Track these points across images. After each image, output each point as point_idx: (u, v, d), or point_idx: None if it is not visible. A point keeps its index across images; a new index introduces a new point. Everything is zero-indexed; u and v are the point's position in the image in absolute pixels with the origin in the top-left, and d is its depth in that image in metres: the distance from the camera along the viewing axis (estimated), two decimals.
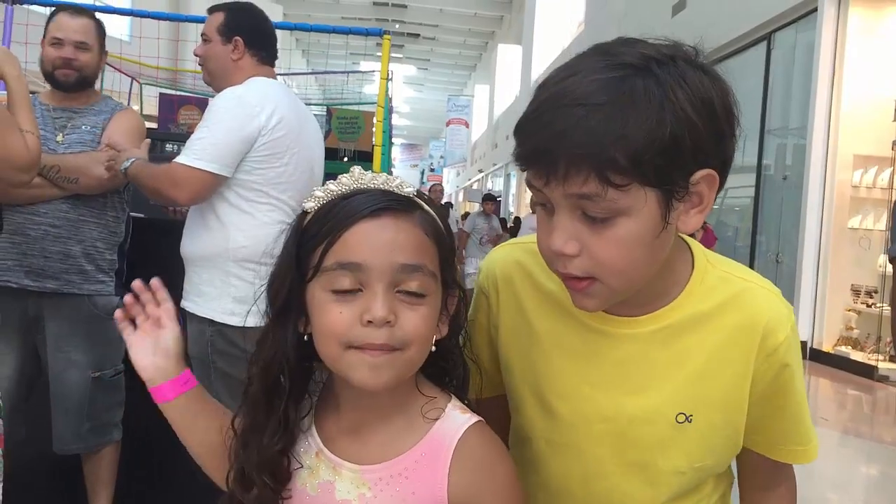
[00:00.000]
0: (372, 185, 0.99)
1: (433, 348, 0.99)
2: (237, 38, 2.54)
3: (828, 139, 7.83)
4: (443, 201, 10.04)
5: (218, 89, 2.54)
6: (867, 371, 6.96)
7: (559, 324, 1.06)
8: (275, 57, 2.66)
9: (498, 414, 1.19)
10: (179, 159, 2.32)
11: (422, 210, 1.00)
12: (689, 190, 0.89)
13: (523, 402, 1.12)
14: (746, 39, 9.51)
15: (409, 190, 1.00)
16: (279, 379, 1.01)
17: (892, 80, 7.59)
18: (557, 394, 1.06)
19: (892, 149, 7.48)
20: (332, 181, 1.01)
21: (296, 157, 2.45)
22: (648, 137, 0.83)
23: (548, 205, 0.91)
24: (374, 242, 0.94)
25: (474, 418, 1.02)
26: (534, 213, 10.43)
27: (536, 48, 21.60)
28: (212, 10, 2.64)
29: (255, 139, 2.35)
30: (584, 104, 0.84)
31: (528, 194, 19.70)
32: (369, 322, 0.92)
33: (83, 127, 2.72)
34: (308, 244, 0.98)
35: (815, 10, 7.94)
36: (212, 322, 2.35)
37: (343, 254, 0.94)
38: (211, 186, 2.34)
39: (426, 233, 0.98)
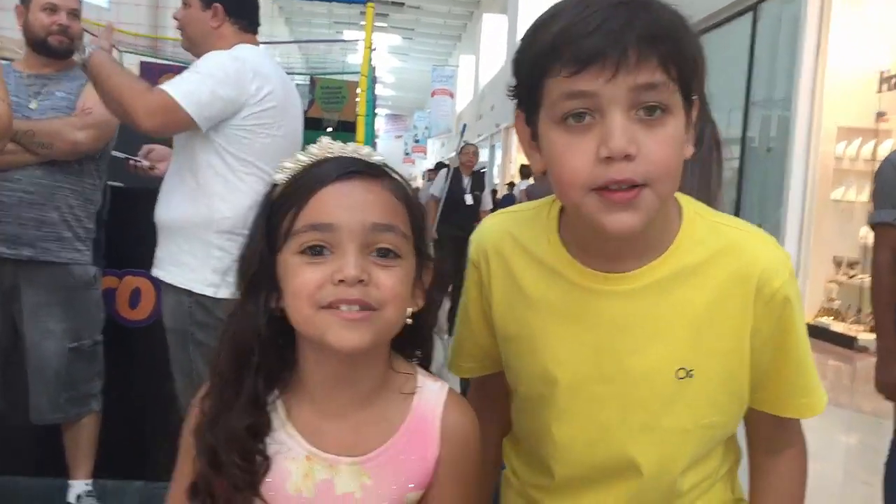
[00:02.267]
0: (341, 154, 1.00)
1: (409, 321, 0.99)
2: (216, 4, 2.46)
3: (812, 111, 7.83)
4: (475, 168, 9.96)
5: (198, 56, 2.47)
6: (847, 342, 7.03)
7: (552, 288, 1.05)
8: (257, 25, 2.59)
9: (496, 391, 1.19)
10: (164, 87, 2.23)
11: (390, 177, 1.00)
12: (691, 110, 0.93)
13: (523, 372, 1.10)
14: (732, 10, 9.46)
15: (378, 158, 1.01)
16: (249, 353, 0.98)
17: (877, 52, 7.60)
18: (556, 359, 1.05)
19: (876, 121, 7.51)
20: (301, 152, 1.00)
21: (283, 130, 2.41)
22: (689, 39, 0.91)
23: (589, 115, 0.89)
24: (345, 203, 0.94)
25: (445, 385, 1.06)
26: (524, 177, 9.99)
27: (521, 18, 21.42)
28: None
29: (241, 107, 2.31)
30: (635, 3, 0.88)
31: (514, 164, 19.32)
32: (341, 281, 0.91)
33: (57, 93, 2.68)
34: (277, 214, 0.97)
35: None
36: (190, 293, 2.31)
37: (313, 216, 0.94)
38: (181, 128, 2.28)
39: (397, 197, 0.98)
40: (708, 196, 2.67)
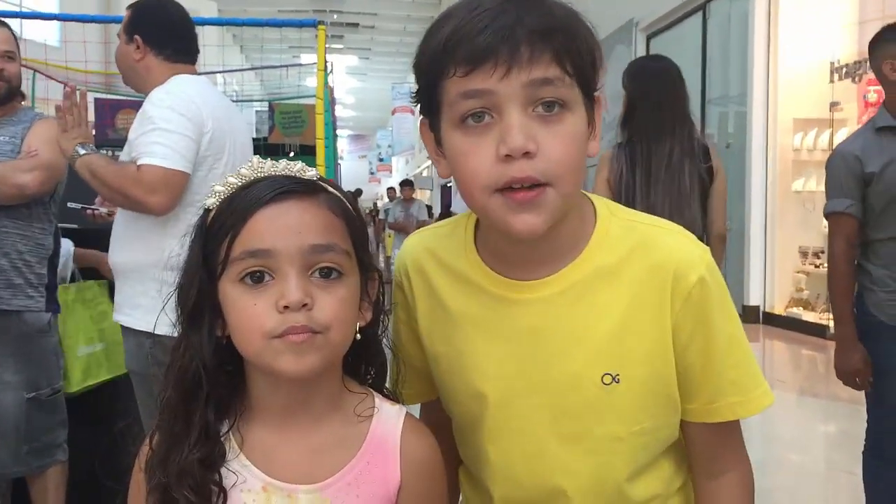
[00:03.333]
0: (272, 173, 0.96)
1: (357, 336, 0.98)
2: (136, 36, 2.40)
3: (767, 105, 7.94)
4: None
5: (138, 91, 2.44)
6: (819, 331, 7.09)
7: (472, 301, 1.03)
8: (190, 53, 2.50)
9: (444, 418, 1.15)
10: (149, 160, 2.15)
11: (327, 192, 0.97)
12: (593, 108, 0.92)
13: (454, 392, 1.08)
14: (682, 11, 9.58)
15: (311, 174, 0.98)
16: (197, 385, 0.95)
17: (826, 43, 7.71)
18: (483, 375, 1.02)
19: (830, 111, 7.60)
20: (231, 174, 0.97)
21: (231, 158, 2.36)
22: (583, 34, 0.89)
23: (488, 114, 0.87)
24: (280, 226, 0.91)
25: (402, 409, 1.04)
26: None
27: None
28: (127, 7, 2.51)
29: (201, 136, 2.26)
30: (525, 1, 0.87)
31: None
32: (285, 307, 0.88)
33: (1, 138, 2.61)
34: (213, 240, 0.93)
35: None
36: (150, 334, 2.25)
37: (249, 242, 0.91)
38: (182, 189, 2.21)
39: (334, 213, 0.95)
40: (680, 203, 2.74)
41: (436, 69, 0.89)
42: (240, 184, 0.96)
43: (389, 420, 1.01)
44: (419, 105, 0.96)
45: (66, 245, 2.98)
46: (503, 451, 1.04)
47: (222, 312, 0.94)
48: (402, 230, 10.26)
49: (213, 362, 0.95)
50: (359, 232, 0.98)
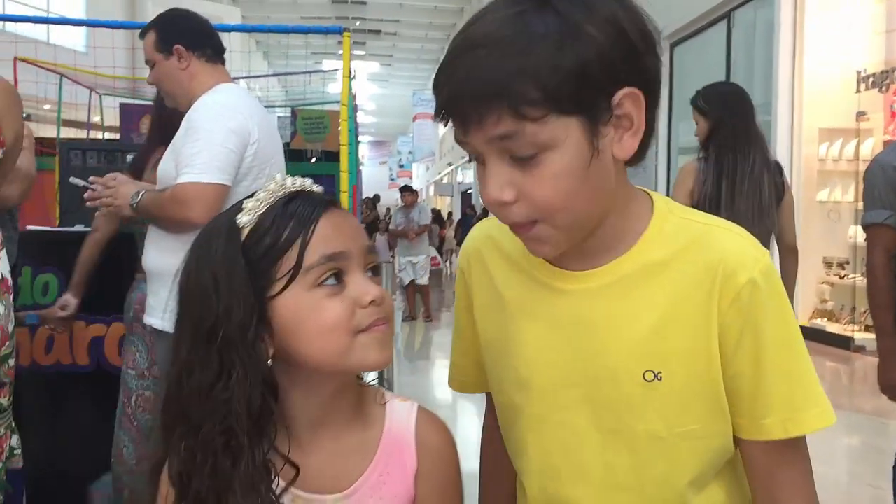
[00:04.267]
0: (294, 188, 0.99)
1: None
2: (176, 46, 2.44)
3: (792, 114, 7.88)
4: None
5: (185, 107, 2.44)
6: (843, 342, 7.02)
7: (524, 288, 1.03)
8: (222, 50, 2.56)
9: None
10: (183, 178, 2.22)
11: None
12: (613, 112, 0.87)
13: (501, 381, 1.08)
14: (706, 19, 9.54)
15: (319, 189, 1.02)
16: (264, 415, 0.92)
17: (853, 52, 7.65)
18: (527, 363, 1.02)
19: (857, 120, 7.54)
20: (260, 190, 0.99)
21: (275, 168, 2.41)
22: (551, 65, 0.82)
23: (478, 157, 0.90)
24: (345, 230, 0.97)
25: (414, 404, 1.06)
26: None
27: None
28: (142, 34, 2.53)
29: (246, 147, 2.30)
30: (484, 45, 0.83)
31: None
32: (371, 302, 0.93)
33: None
34: (269, 254, 0.93)
35: None
36: None
37: (325, 247, 0.93)
38: (222, 199, 2.24)
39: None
40: (761, 212, 2.89)
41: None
42: (272, 200, 0.97)
43: (402, 416, 1.04)
44: None
45: None
46: (542, 442, 1.03)
47: (272, 329, 0.93)
48: (403, 236, 10.16)
49: (271, 385, 0.94)
50: None
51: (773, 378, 0.94)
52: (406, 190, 10.78)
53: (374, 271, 0.99)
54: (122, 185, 2.39)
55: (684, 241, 0.96)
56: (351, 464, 0.99)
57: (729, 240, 0.96)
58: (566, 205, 0.88)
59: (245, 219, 0.96)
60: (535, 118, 0.82)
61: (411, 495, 1.01)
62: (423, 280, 10.09)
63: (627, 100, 0.87)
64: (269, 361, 0.94)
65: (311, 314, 0.92)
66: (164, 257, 2.33)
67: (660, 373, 0.95)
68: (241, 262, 0.93)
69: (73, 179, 2.72)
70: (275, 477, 0.94)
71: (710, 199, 2.92)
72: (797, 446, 0.98)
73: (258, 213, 0.96)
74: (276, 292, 0.93)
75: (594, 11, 0.84)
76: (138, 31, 2.55)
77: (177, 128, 2.39)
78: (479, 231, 1.14)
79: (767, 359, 0.94)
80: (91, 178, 2.46)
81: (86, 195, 2.46)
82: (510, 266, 1.06)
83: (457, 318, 1.18)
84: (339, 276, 0.94)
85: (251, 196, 0.98)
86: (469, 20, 0.89)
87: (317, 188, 1.02)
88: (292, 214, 0.94)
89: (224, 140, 2.25)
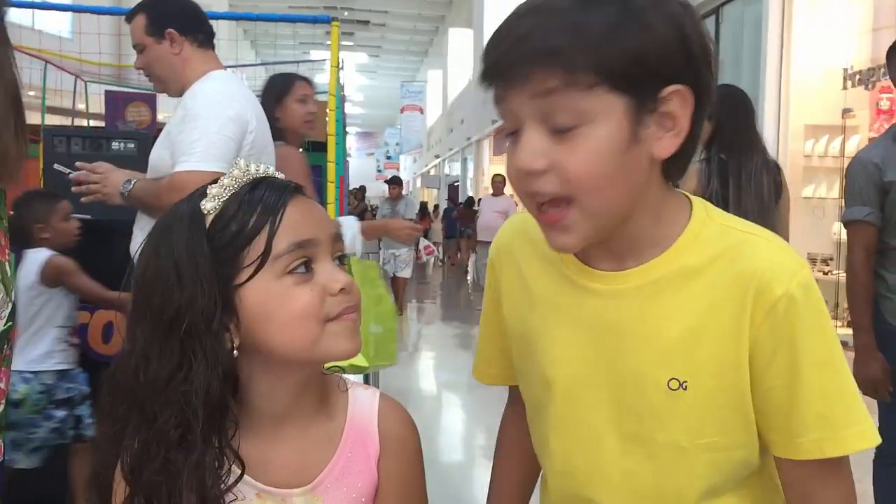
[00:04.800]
0: (259, 174, 0.97)
1: None
2: (169, 30, 2.40)
3: (779, 110, 7.90)
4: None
5: (175, 92, 2.43)
6: None
7: (554, 285, 1.02)
8: (213, 36, 2.52)
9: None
10: (181, 167, 2.19)
11: None
12: (658, 107, 0.86)
13: (527, 377, 1.08)
14: None
15: (281, 175, 1.00)
16: (220, 407, 0.90)
17: (840, 49, 7.68)
18: (552, 361, 1.01)
19: (843, 117, 7.58)
20: (225, 176, 0.96)
21: (268, 158, 2.41)
22: (610, 37, 0.82)
23: (514, 128, 0.88)
24: (311, 218, 0.95)
25: (376, 392, 1.06)
26: (495, 192, 10.50)
27: (487, 31, 21.52)
28: (129, 18, 2.48)
29: (244, 135, 2.28)
30: (548, 8, 0.84)
31: (486, 178, 19.56)
32: (341, 290, 0.92)
33: None
34: (235, 242, 0.91)
35: None
36: None
37: (294, 233, 0.92)
38: None
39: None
40: (763, 210, 2.95)
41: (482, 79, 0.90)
42: (236, 186, 0.95)
43: (365, 404, 1.04)
44: None
45: (352, 221, 3.10)
46: (564, 441, 1.03)
47: (238, 317, 0.91)
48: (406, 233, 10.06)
49: (233, 374, 0.92)
50: None
51: (809, 395, 0.91)
52: (393, 182, 10.71)
53: (341, 260, 0.98)
54: (111, 173, 2.36)
55: (720, 249, 0.94)
56: (316, 455, 0.99)
57: (766, 250, 0.93)
58: (597, 185, 0.86)
59: (209, 205, 0.93)
60: (583, 85, 0.82)
61: (375, 482, 1.01)
62: (403, 273, 10.05)
63: (676, 97, 0.86)
64: (234, 353, 0.91)
65: (280, 302, 0.91)
66: None
67: (685, 381, 0.93)
68: (205, 250, 0.91)
69: (56, 166, 2.69)
70: (226, 471, 0.91)
71: (716, 198, 2.96)
72: (837, 467, 0.95)
73: (223, 200, 0.93)
74: (242, 280, 0.91)
75: (660, 6, 0.85)
76: (125, 17, 2.52)
77: None
78: (512, 225, 1.13)
79: (803, 375, 0.90)
80: (77, 164, 2.43)
81: (73, 182, 2.43)
82: (542, 261, 1.04)
83: (484, 310, 1.18)
84: (307, 264, 0.93)
85: (214, 182, 0.95)
86: None
87: (280, 175, 1.00)
88: (259, 201, 0.92)
89: (222, 128, 2.23)
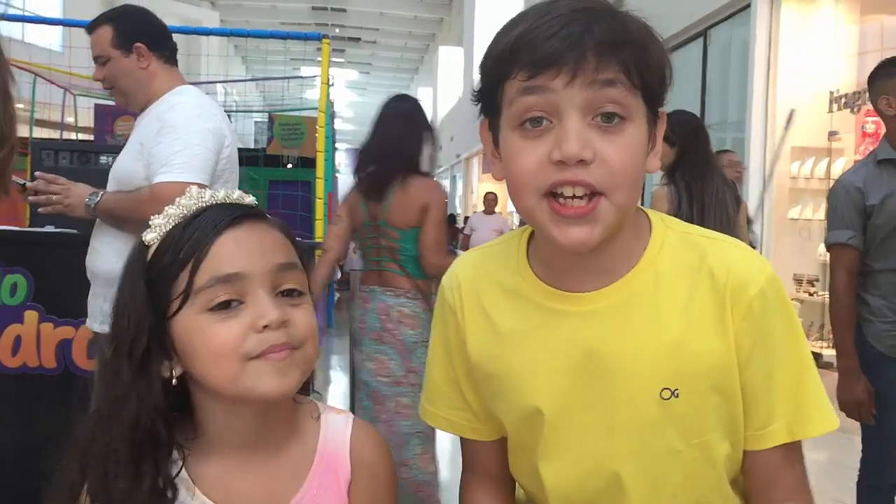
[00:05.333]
0: (213, 202, 0.95)
1: None
2: (138, 44, 2.36)
3: (766, 132, 7.96)
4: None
5: (137, 107, 2.40)
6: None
7: (523, 316, 1.01)
8: (176, 51, 2.50)
9: (499, 460, 1.13)
10: (162, 178, 2.14)
11: (268, 216, 0.98)
12: (656, 123, 0.91)
13: (509, 413, 1.05)
14: (683, 36, 9.62)
15: (250, 200, 0.98)
16: (151, 434, 0.90)
17: (826, 72, 7.76)
18: (537, 391, 1.00)
19: (829, 140, 7.64)
20: (170, 206, 0.95)
21: (235, 174, 2.39)
22: (649, 47, 0.88)
23: (546, 119, 0.87)
24: (247, 248, 0.91)
25: (350, 416, 1.03)
26: (487, 210, 10.46)
27: (477, 49, 21.63)
28: (92, 27, 2.41)
29: (221, 149, 2.26)
30: (600, 10, 0.87)
31: (476, 195, 19.50)
32: (265, 327, 0.88)
33: None
34: (165, 274, 0.90)
35: (749, 6, 8.08)
36: None
37: (216, 268, 0.89)
38: None
39: (285, 234, 0.96)
40: (729, 227, 3.21)
41: (500, 70, 0.89)
42: (182, 214, 0.94)
43: (337, 429, 1.02)
44: (480, 104, 0.95)
45: None
46: (558, 467, 1.02)
47: (175, 349, 0.91)
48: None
49: (165, 406, 0.92)
50: (301, 253, 1.00)
51: (782, 384, 0.95)
52: None
53: (293, 293, 0.93)
54: (74, 185, 2.31)
55: (687, 256, 0.96)
56: (285, 484, 0.97)
57: (731, 253, 0.97)
58: (631, 180, 0.89)
59: (150, 236, 0.94)
60: (632, 83, 0.86)
61: None
62: None
63: (662, 119, 0.92)
64: (172, 381, 0.92)
65: (199, 338, 0.89)
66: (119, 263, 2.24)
67: (677, 389, 0.94)
68: (140, 282, 0.91)
69: (14, 178, 2.57)
70: (171, 499, 0.91)
71: (685, 219, 3.08)
72: (797, 448, 0.99)
73: (164, 231, 0.93)
74: (171, 313, 0.90)
75: (654, 36, 0.91)
76: (86, 28, 2.41)
77: None
78: (467, 262, 1.11)
79: (777, 366, 0.95)
80: (37, 174, 2.35)
81: (28, 191, 2.34)
82: (506, 296, 1.03)
83: (431, 353, 1.14)
84: (237, 298, 0.89)
85: (160, 213, 0.95)
86: (540, 4, 0.90)
87: (243, 199, 0.97)
88: (192, 232, 0.91)
89: (203, 140, 2.21)
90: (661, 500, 0.99)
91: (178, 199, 0.95)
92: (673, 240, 0.98)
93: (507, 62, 0.87)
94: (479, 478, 1.15)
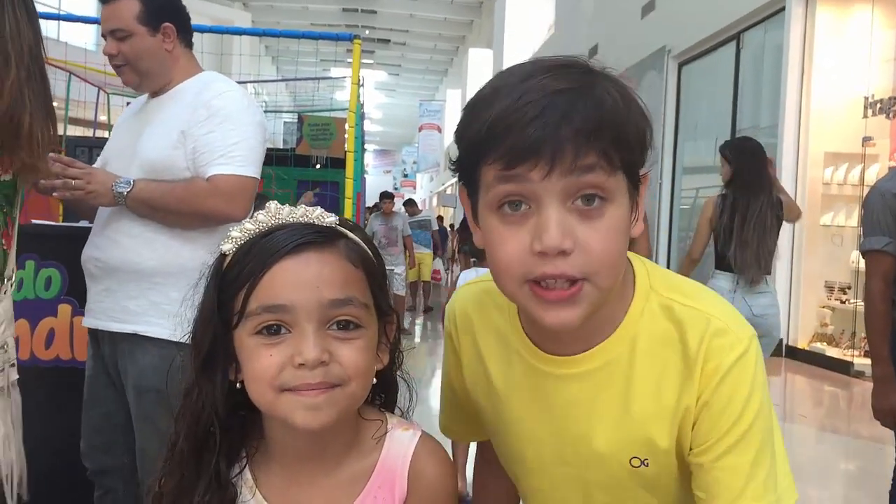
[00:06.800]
0: (290, 220, 0.95)
1: (374, 380, 0.96)
2: (167, 24, 2.23)
3: (798, 137, 7.88)
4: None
5: (152, 89, 2.28)
6: (843, 367, 6.99)
7: (512, 366, 1.03)
8: (192, 35, 2.38)
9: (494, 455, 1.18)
10: (221, 170, 2.05)
11: (346, 239, 0.96)
12: (638, 189, 0.89)
13: (500, 446, 1.10)
14: (715, 39, 9.56)
15: (330, 220, 0.96)
16: (209, 433, 0.95)
17: (861, 77, 7.66)
18: (521, 439, 1.03)
19: (863, 145, 7.55)
20: (249, 220, 0.96)
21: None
22: (626, 117, 0.85)
23: (525, 204, 0.85)
24: (298, 281, 0.90)
25: (417, 433, 1.02)
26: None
27: (507, 52, 21.63)
28: None
29: (264, 145, 2.21)
30: (575, 90, 0.83)
31: None
32: (301, 364, 0.88)
33: None
34: (229, 289, 0.93)
35: (783, 9, 8.00)
36: (181, 346, 2.13)
37: (266, 297, 0.90)
38: (253, 193, 2.12)
39: (353, 263, 0.94)
40: (764, 237, 3.84)
41: (476, 151, 0.86)
42: (257, 230, 0.95)
43: (402, 445, 1.00)
44: (457, 174, 0.93)
45: None
46: (539, 502, 1.07)
47: (237, 357, 0.94)
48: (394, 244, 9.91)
49: (227, 406, 0.95)
50: (378, 278, 0.97)
51: (728, 462, 0.92)
52: (385, 197, 10.38)
53: (347, 326, 0.92)
54: (95, 171, 2.14)
55: (665, 327, 0.95)
56: (341, 497, 0.98)
57: (711, 327, 0.93)
58: (616, 262, 0.87)
59: (227, 246, 0.96)
60: (617, 166, 0.84)
61: None
62: (398, 291, 9.83)
63: (644, 181, 0.90)
64: (237, 385, 0.95)
65: (247, 358, 0.92)
66: (161, 258, 2.14)
67: (646, 459, 0.96)
68: (212, 289, 0.95)
69: None
70: (233, 498, 0.96)
71: (724, 228, 3.90)
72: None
73: (239, 242, 0.95)
74: (234, 325, 0.93)
75: (632, 99, 0.88)
76: None
77: None
78: (470, 297, 1.11)
79: (725, 438, 0.92)
80: (52, 156, 1.98)
81: (41, 181, 2.07)
82: (497, 339, 1.05)
83: (445, 372, 1.18)
84: (283, 327, 0.90)
85: (239, 224, 0.97)
86: (509, 78, 0.86)
87: (322, 219, 0.96)
88: (255, 255, 0.92)
89: (255, 133, 2.15)
90: None
91: (256, 214, 0.96)
92: (654, 306, 0.96)
93: (483, 146, 0.85)
94: (490, 466, 1.19)
